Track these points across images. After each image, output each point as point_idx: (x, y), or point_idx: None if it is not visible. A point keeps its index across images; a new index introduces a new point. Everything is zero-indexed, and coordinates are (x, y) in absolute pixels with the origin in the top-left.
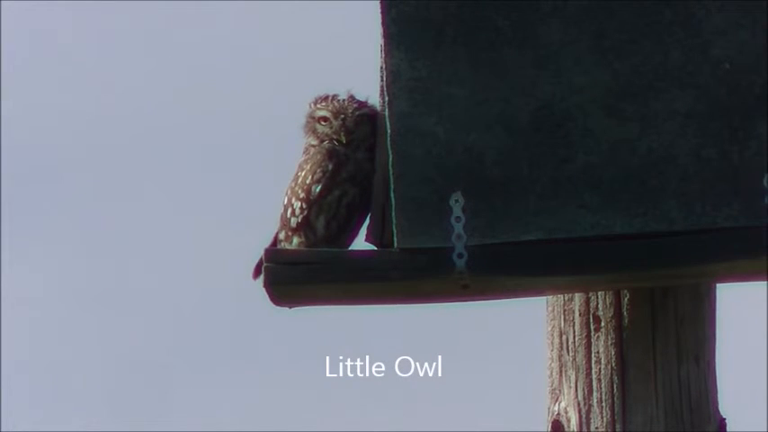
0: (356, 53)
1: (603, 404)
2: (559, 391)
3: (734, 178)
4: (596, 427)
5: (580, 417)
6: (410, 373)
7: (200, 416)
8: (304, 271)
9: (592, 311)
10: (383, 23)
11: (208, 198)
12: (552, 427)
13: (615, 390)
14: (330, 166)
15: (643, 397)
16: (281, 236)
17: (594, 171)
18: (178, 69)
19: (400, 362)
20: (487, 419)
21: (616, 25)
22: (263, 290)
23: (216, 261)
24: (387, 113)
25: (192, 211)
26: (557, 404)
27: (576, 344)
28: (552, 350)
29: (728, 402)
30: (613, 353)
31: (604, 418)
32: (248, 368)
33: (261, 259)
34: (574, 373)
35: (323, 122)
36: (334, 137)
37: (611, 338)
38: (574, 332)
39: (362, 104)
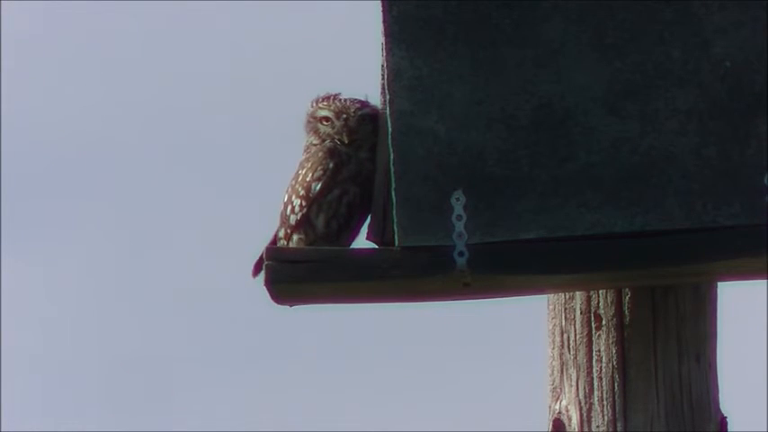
0: (357, 51)
1: (604, 402)
2: (560, 389)
3: (734, 177)
4: (597, 426)
5: (581, 415)
6: (410, 373)
7: (200, 416)
8: (305, 269)
9: (593, 310)
10: (384, 22)
11: (207, 197)
12: (553, 425)
13: (616, 388)
14: (331, 165)
15: (644, 395)
16: (281, 233)
17: (595, 169)
18: (179, 69)
19: (401, 362)
20: (488, 418)
21: (616, 24)
22: (264, 288)
23: (216, 259)
24: (388, 112)
25: (191, 209)
26: (558, 403)
27: (577, 342)
28: (553, 348)
29: (729, 401)
30: (614, 351)
31: (605, 417)
32: (248, 367)
33: (260, 257)
34: (575, 371)
35: (325, 122)
36: (337, 137)
37: (613, 337)
38: (575, 330)
39: (364, 104)
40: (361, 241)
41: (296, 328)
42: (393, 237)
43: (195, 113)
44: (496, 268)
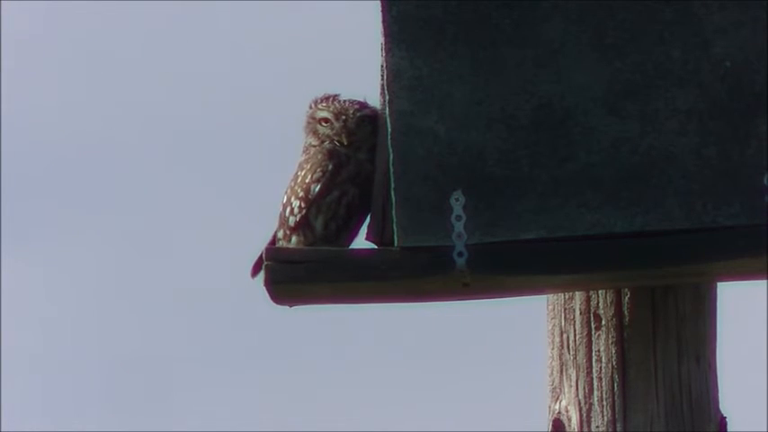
0: (357, 52)
1: (604, 403)
2: (560, 389)
3: (734, 177)
4: (597, 426)
5: (581, 415)
6: (410, 373)
7: (200, 416)
8: (304, 270)
9: (592, 310)
10: (384, 22)
11: (207, 197)
12: (553, 425)
13: (616, 388)
14: (330, 166)
15: (644, 396)
16: (280, 234)
17: (595, 170)
18: (179, 69)
19: (400, 362)
20: (488, 418)
21: (616, 23)
22: (264, 288)
23: (215, 259)
24: (387, 112)
25: (191, 209)
26: (557, 403)
27: (577, 342)
28: (553, 349)
29: (729, 401)
30: (614, 351)
31: (605, 417)
32: (248, 367)
33: (259, 257)
34: (574, 371)
35: (324, 123)
36: (336, 138)
37: (612, 337)
38: (574, 331)
39: (363, 105)
40: (361, 242)
41: (296, 328)
42: (392, 237)
43: (195, 114)
44: (496, 268)
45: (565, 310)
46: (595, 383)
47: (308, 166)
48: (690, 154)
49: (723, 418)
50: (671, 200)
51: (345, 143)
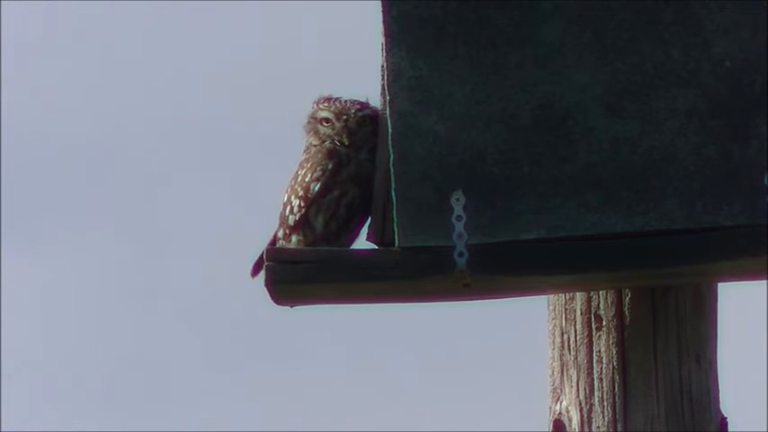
0: (357, 52)
1: (605, 403)
2: (561, 390)
3: (735, 177)
4: (597, 427)
5: (581, 416)
6: (410, 373)
7: (200, 416)
8: (305, 270)
9: (593, 310)
10: (384, 22)
11: (207, 197)
12: (554, 426)
13: (616, 389)
14: (330, 166)
15: (644, 396)
16: (280, 234)
17: (595, 170)
18: (179, 69)
19: (401, 362)
20: (488, 419)
21: (617, 24)
22: (264, 289)
23: (216, 259)
24: (387, 112)
25: (191, 209)
26: (558, 403)
27: (578, 343)
28: (553, 349)
29: (730, 402)
30: (615, 352)
31: (606, 418)
32: (248, 367)
33: (259, 257)
34: (575, 372)
35: (325, 123)
36: (337, 138)
37: (613, 337)
38: (575, 331)
39: (364, 105)
40: (362, 242)
41: (296, 328)
42: (393, 237)
43: (195, 113)
44: (496, 269)
45: (565, 310)
46: (596, 384)
47: (308, 165)
48: (690, 154)
49: (724, 419)
50: (671, 200)
51: (346, 143)
